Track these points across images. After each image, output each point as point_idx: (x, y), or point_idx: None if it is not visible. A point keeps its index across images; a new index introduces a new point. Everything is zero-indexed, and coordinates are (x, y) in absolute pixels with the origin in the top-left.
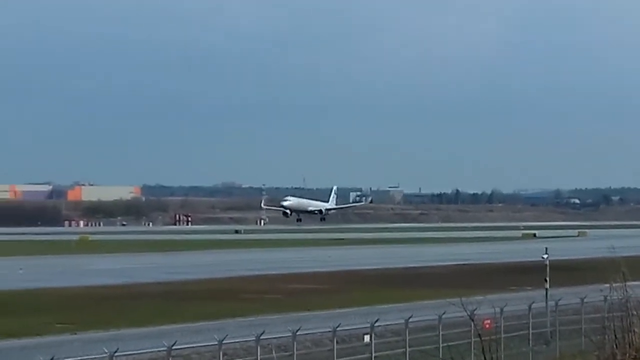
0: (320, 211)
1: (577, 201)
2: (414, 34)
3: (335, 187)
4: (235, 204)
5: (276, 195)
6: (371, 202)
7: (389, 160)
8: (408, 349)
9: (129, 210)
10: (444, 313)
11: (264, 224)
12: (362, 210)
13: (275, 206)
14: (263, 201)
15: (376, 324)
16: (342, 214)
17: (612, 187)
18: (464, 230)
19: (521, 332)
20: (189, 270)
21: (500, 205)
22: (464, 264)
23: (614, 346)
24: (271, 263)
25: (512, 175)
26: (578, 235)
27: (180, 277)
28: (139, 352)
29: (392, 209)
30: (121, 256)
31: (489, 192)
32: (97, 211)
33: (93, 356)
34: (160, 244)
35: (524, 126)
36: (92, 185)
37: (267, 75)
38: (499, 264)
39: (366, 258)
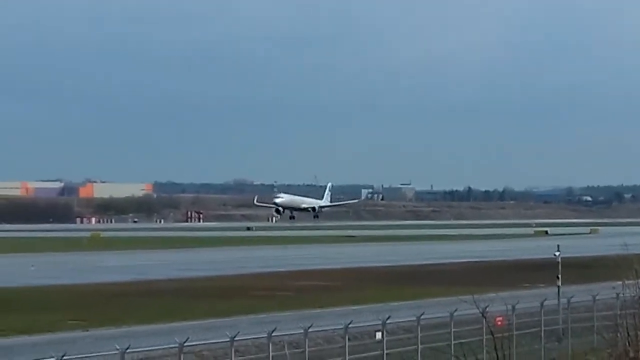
0: (313, 208)
1: (589, 198)
2: (422, 33)
3: (329, 184)
4: (247, 201)
5: (287, 192)
6: (382, 199)
7: (401, 158)
8: (420, 346)
9: (141, 207)
10: (455, 310)
11: (276, 221)
12: (374, 208)
13: (267, 203)
14: (256, 198)
15: (388, 321)
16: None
17: (624, 185)
18: (475, 228)
19: (533, 330)
20: (201, 267)
21: (512, 202)
22: (476, 262)
23: (627, 343)
24: (282, 260)
25: (524, 173)
26: (590, 233)
27: (191, 274)
28: (151, 348)
29: (404, 206)
30: (133, 253)
31: (501, 189)
32: (108, 208)
33: (105, 353)
34: (171, 241)
35: (536, 124)
36: (103, 182)
37: (279, 74)
38: (511, 261)
39: (378, 255)
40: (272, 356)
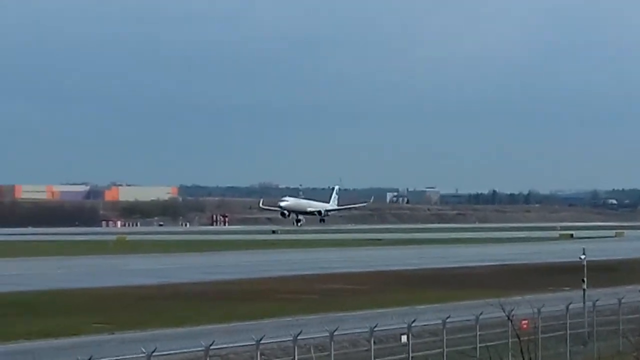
0: (319, 212)
1: (614, 202)
2: (449, 35)
3: (337, 187)
4: (272, 204)
5: (312, 196)
6: (407, 202)
7: (425, 161)
8: (445, 349)
9: (166, 211)
10: (481, 313)
11: (301, 224)
12: (399, 211)
13: (273, 207)
14: (261, 202)
15: (413, 324)
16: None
17: None
18: (501, 231)
19: (558, 333)
20: (226, 270)
21: (537, 205)
22: (501, 265)
23: None
24: (308, 263)
25: (549, 176)
26: (615, 236)
27: (217, 277)
28: (177, 352)
29: (428, 209)
30: (158, 256)
31: (526, 192)
32: (134, 211)
33: (130, 356)
34: (197, 244)
35: (561, 127)
36: (129, 185)
37: (305, 78)
38: (536, 264)
39: (403, 258)
40: (298, 359)
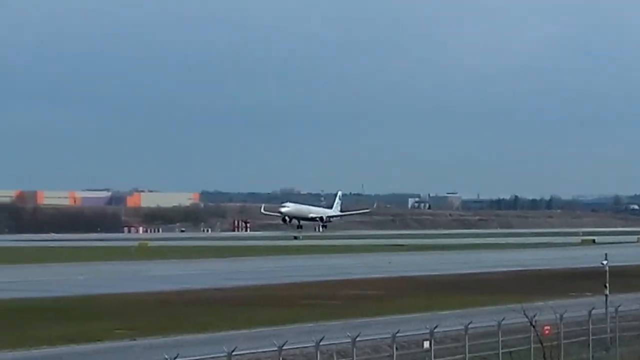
0: (321, 218)
1: (636, 207)
2: (477, 44)
3: (339, 193)
4: (274, 210)
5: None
6: (429, 208)
7: (447, 167)
8: (468, 355)
9: (188, 217)
10: (503, 319)
11: (322, 230)
12: (420, 217)
13: (274, 212)
14: (263, 207)
15: (435, 330)
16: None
17: None
18: (522, 236)
19: (581, 338)
20: (248, 276)
21: (559, 211)
22: (523, 270)
23: None
24: (329, 269)
25: (571, 181)
26: (638, 241)
27: (238, 283)
28: (199, 357)
29: (450, 215)
30: (180, 262)
31: (547, 198)
32: (156, 217)
33: None
34: (218, 250)
35: (584, 132)
36: (151, 191)
37: (328, 83)
38: (558, 270)
39: (425, 264)
40: None
